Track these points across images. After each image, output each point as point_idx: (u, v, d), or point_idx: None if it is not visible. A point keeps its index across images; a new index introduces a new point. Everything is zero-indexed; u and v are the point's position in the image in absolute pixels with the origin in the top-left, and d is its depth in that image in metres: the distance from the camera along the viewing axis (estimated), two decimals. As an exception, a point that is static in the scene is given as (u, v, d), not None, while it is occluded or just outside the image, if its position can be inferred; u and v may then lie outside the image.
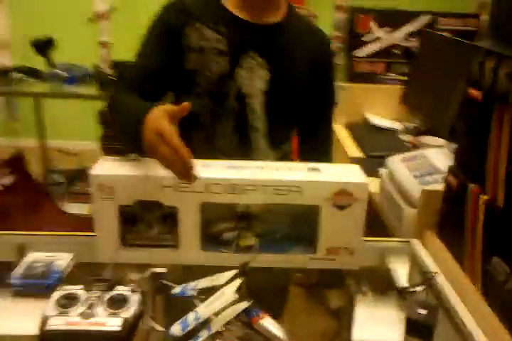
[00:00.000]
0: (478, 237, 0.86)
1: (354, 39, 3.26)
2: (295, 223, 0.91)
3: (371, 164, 1.65)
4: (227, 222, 0.90)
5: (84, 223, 2.23)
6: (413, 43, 3.34)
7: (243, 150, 1.10)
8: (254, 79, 1.08)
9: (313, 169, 0.90)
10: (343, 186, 0.86)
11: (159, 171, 0.82)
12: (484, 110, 0.85)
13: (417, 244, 1.04)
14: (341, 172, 0.89)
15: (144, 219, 0.86)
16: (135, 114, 0.87)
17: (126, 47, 3.01)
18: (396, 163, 1.30)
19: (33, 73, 2.20)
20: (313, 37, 1.17)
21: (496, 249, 0.82)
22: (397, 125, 1.95)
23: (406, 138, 1.84)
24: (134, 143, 0.83)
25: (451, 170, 0.97)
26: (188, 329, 0.72)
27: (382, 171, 1.36)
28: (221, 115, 1.09)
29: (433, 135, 1.71)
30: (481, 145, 0.86)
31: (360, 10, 3.18)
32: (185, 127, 1.08)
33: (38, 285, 0.80)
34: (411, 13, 3.22)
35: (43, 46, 2.14)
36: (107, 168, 0.85)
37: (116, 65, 2.14)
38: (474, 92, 0.88)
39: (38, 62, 2.33)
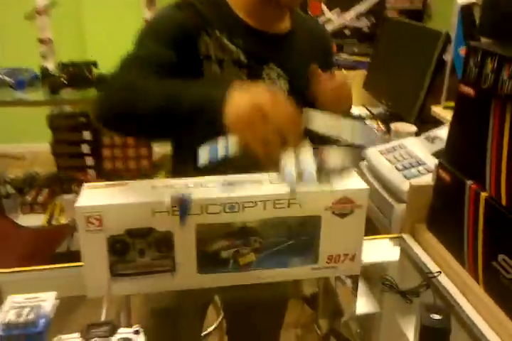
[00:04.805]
0: (480, 235, 0.85)
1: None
2: (294, 234, 0.87)
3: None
4: (224, 240, 0.85)
5: (42, 235, 2.10)
6: (363, 23, 3.34)
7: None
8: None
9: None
10: (343, 194, 0.83)
11: (150, 196, 0.77)
12: (480, 108, 0.84)
13: (408, 239, 1.04)
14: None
15: (135, 247, 0.80)
16: (209, 91, 0.75)
17: (68, 45, 2.84)
18: (375, 155, 1.28)
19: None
20: (317, 32, 1.14)
21: (501, 247, 0.81)
22: (362, 111, 1.94)
23: (373, 124, 1.83)
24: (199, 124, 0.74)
25: (443, 165, 0.96)
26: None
27: (362, 164, 1.34)
28: None
29: (400, 120, 1.71)
30: (478, 142, 0.85)
31: (311, -8, 3.13)
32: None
33: (27, 335, 0.73)
34: (359, -7, 3.20)
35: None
36: (92, 197, 0.77)
37: (65, 66, 2.01)
38: (468, 90, 0.86)
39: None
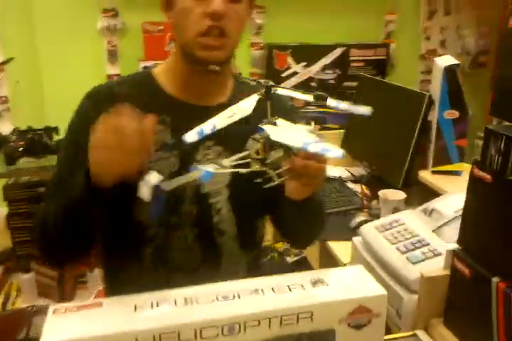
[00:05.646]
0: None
1: (274, 76, 3.22)
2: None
3: (331, 223, 1.53)
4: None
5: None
6: (328, 75, 3.39)
7: (210, 260, 0.91)
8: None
9: (318, 282, 0.74)
10: (359, 302, 0.71)
11: (132, 321, 0.63)
12: (502, 195, 0.75)
13: (424, 337, 0.92)
14: (351, 282, 0.75)
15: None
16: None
17: (26, 106, 2.65)
18: (371, 232, 1.18)
19: None
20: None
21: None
22: (342, 172, 1.86)
23: (355, 187, 1.75)
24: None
25: (459, 257, 0.86)
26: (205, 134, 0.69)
27: (356, 241, 1.23)
28: (176, 225, 0.88)
29: (385, 184, 1.63)
30: (501, 232, 0.76)
31: (277, 47, 3.16)
32: (129, 245, 0.90)
33: None
34: (325, 46, 3.26)
35: None
36: (59, 327, 0.62)
37: (23, 133, 1.85)
38: (485, 175, 0.78)
39: None
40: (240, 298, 0.69)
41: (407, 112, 1.52)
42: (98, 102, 0.87)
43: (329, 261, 1.45)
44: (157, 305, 0.66)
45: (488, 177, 0.77)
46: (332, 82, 3.28)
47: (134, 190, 0.86)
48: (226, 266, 0.92)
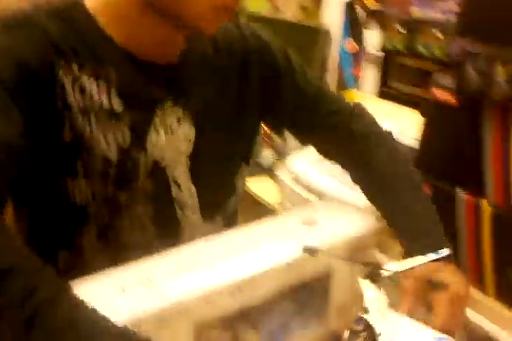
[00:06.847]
0: (486, 249, 0.78)
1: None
2: (300, 299, 0.69)
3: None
4: (222, 326, 0.62)
5: None
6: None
7: (165, 235, 0.76)
8: (176, 141, 0.73)
9: (310, 222, 0.68)
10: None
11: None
12: (467, 114, 0.75)
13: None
14: (340, 217, 0.70)
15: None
16: None
17: None
18: (303, 166, 1.14)
19: None
20: (234, 41, 0.79)
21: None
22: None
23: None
24: None
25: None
26: None
27: (282, 175, 1.19)
28: (128, 202, 0.71)
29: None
30: (468, 150, 0.77)
31: None
32: (65, 230, 0.70)
33: None
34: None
35: None
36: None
37: None
38: (447, 97, 0.76)
39: None
40: (236, 254, 0.60)
41: (304, 47, 1.49)
42: (32, 37, 0.62)
43: (250, 203, 1.39)
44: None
45: (453, 100, 0.76)
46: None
47: (64, 162, 0.65)
48: (185, 239, 0.79)
